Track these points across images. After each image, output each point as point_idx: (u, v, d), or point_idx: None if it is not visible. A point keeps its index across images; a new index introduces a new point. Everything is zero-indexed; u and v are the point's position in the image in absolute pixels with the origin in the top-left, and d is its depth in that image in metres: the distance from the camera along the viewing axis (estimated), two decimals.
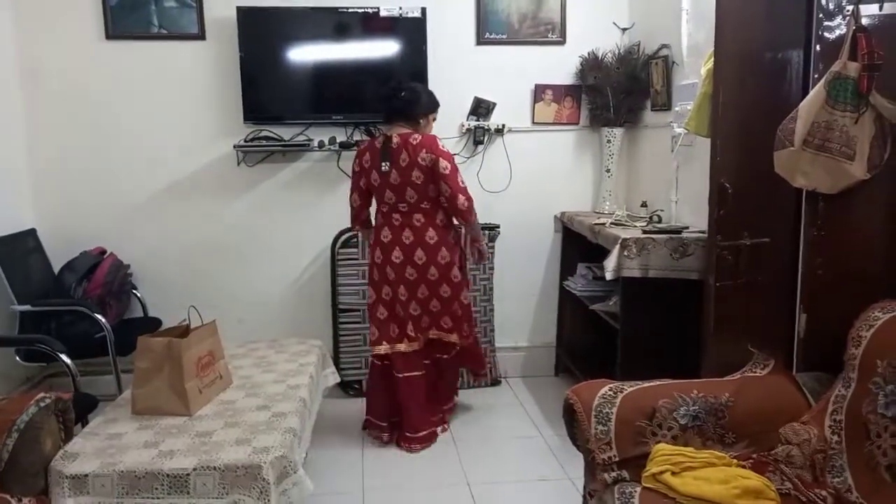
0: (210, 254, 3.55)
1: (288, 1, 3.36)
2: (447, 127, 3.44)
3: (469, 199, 2.83)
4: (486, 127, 3.59)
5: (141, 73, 3.39)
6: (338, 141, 3.44)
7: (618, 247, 2.69)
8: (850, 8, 1.83)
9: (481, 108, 3.60)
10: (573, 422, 1.89)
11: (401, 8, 3.37)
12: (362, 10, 3.37)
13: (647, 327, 2.75)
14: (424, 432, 2.94)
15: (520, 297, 3.75)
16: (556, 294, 3.76)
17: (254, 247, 3.58)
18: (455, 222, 2.94)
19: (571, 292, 3.51)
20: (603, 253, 2.83)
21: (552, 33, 3.58)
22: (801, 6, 2.06)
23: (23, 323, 3.00)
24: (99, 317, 2.91)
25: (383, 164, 2.81)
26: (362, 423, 3.12)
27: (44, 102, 3.36)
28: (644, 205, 3.30)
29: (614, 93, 3.45)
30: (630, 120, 3.55)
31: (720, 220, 2.14)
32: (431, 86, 3.22)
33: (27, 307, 2.95)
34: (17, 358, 2.93)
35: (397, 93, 2.84)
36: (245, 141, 3.42)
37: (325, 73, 3.43)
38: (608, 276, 2.73)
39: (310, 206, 3.57)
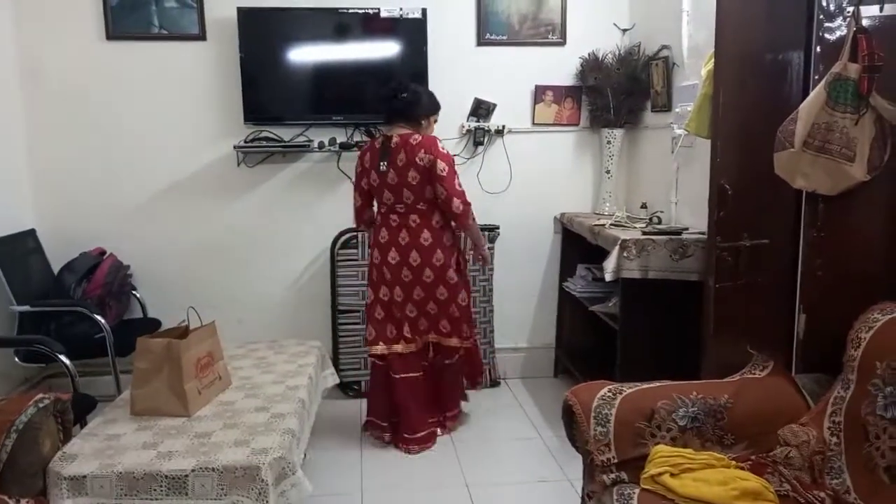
0: (210, 254, 3.55)
1: (288, 2, 3.36)
2: (447, 128, 3.44)
3: (465, 203, 2.81)
4: (486, 128, 3.59)
5: (141, 73, 3.39)
6: (338, 142, 3.44)
7: (617, 248, 2.69)
8: (851, 9, 1.83)
9: (481, 109, 3.59)
10: (572, 423, 1.89)
11: (401, 9, 3.37)
12: (363, 11, 3.37)
13: (647, 328, 2.75)
14: (421, 433, 2.93)
15: (519, 298, 3.75)
16: (556, 295, 3.76)
17: (253, 247, 3.58)
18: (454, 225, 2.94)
19: (571, 293, 3.51)
20: (602, 254, 2.83)
21: (552, 34, 3.58)
22: (802, 7, 2.06)
23: (22, 323, 3.00)
24: (98, 318, 2.91)
25: (381, 163, 2.82)
26: (363, 423, 3.11)
27: (44, 103, 3.36)
28: (644, 206, 3.30)
29: (614, 94, 3.45)
30: (630, 121, 3.55)
31: (720, 221, 2.14)
32: (432, 87, 3.22)
33: (26, 308, 2.95)
34: (16, 359, 2.93)
35: (398, 94, 2.83)
36: (245, 141, 3.42)
37: (326, 74, 3.43)
38: (608, 277, 2.72)
39: (310, 207, 3.57)
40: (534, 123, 3.65)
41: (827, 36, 1.94)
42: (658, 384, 1.94)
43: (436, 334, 2.93)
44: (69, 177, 3.42)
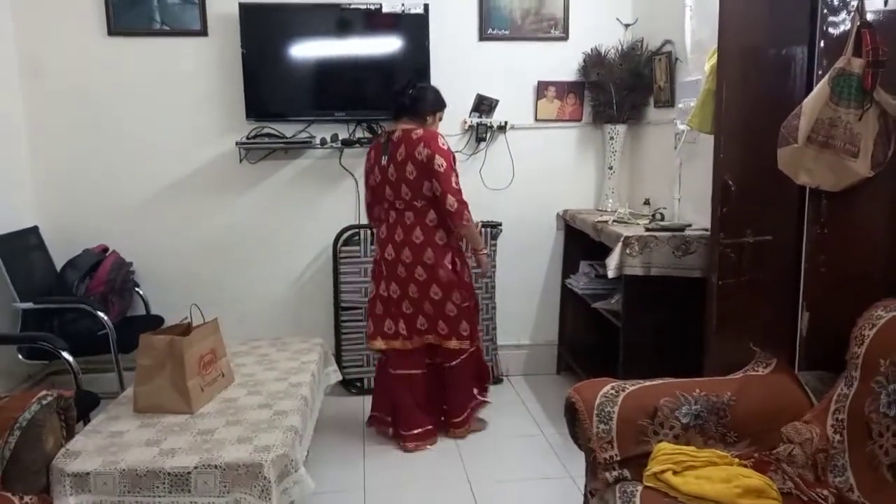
0: (212, 251, 3.55)
1: None
2: (449, 124, 3.43)
3: (461, 202, 2.75)
4: (488, 124, 3.58)
5: (143, 69, 3.39)
6: (340, 138, 3.43)
7: (620, 245, 2.68)
8: (855, 3, 1.82)
9: (484, 105, 3.58)
10: (575, 420, 1.89)
11: (403, 4, 3.36)
12: (365, 7, 3.36)
13: (650, 326, 2.74)
14: (416, 431, 2.92)
15: (522, 295, 3.75)
16: (559, 292, 3.76)
17: (256, 244, 3.58)
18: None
19: (573, 290, 3.51)
20: (605, 251, 2.82)
21: (555, 29, 3.57)
22: (805, 2, 2.04)
23: (25, 321, 3.00)
24: (101, 314, 2.91)
25: (383, 158, 2.82)
26: (368, 417, 3.12)
27: (45, 100, 3.36)
28: (647, 202, 3.29)
29: (617, 89, 3.44)
30: (633, 117, 3.54)
31: (723, 217, 2.14)
32: (434, 82, 3.20)
33: (29, 305, 2.96)
34: (20, 356, 2.93)
35: (405, 90, 2.83)
36: (247, 138, 3.42)
37: (328, 70, 3.43)
38: (610, 274, 2.72)
39: (312, 204, 3.57)
40: (536, 119, 3.64)
41: (830, 30, 1.92)
42: (661, 381, 1.93)
43: (435, 336, 2.89)
44: (71, 174, 3.42)
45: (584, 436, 1.85)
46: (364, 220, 3.52)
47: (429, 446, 2.93)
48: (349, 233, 3.49)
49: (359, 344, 3.52)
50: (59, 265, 3.25)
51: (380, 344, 2.94)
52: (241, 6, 3.28)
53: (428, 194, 2.77)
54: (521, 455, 2.89)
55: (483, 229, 3.52)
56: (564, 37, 3.57)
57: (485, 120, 3.59)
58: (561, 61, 3.58)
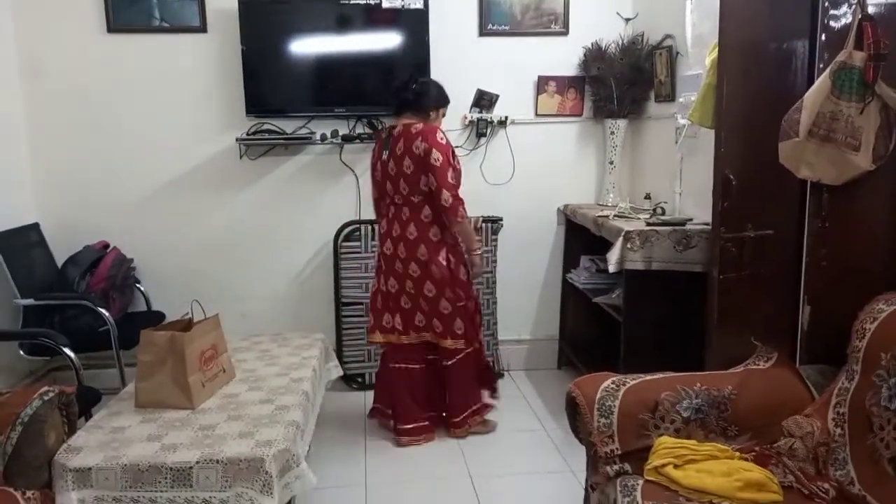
0: (213, 248, 3.55)
1: None
2: (450, 119, 3.41)
3: (456, 197, 2.72)
4: (488, 119, 3.58)
5: (142, 66, 3.39)
6: (340, 134, 3.43)
7: (621, 239, 2.68)
8: None
9: (484, 101, 3.58)
10: (576, 415, 1.89)
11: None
12: (364, 2, 3.35)
13: (651, 320, 2.74)
14: (410, 426, 2.92)
15: (523, 290, 3.75)
16: (559, 287, 3.76)
17: (256, 240, 3.58)
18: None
19: (574, 285, 3.51)
20: (606, 245, 2.82)
21: (555, 24, 3.56)
22: None
23: (26, 317, 3.00)
24: (102, 310, 2.91)
25: (384, 152, 2.81)
26: (370, 409, 3.12)
27: (45, 97, 3.36)
28: (647, 197, 3.29)
29: (618, 84, 3.43)
30: (633, 111, 3.53)
31: (724, 211, 2.13)
32: (434, 78, 3.20)
33: (30, 301, 2.96)
34: (21, 352, 2.94)
35: (408, 84, 2.82)
36: (247, 134, 3.42)
37: (328, 66, 3.42)
38: (611, 268, 2.72)
39: (312, 200, 3.57)
40: (537, 114, 3.63)
41: (832, 24, 1.92)
42: (661, 376, 1.93)
43: (431, 333, 2.87)
44: (71, 170, 3.42)
45: (584, 430, 1.85)
46: (364, 216, 3.54)
47: (424, 442, 2.92)
48: (350, 228, 3.49)
49: (360, 339, 3.52)
50: (59, 262, 3.25)
51: (378, 337, 2.94)
52: (241, 2, 3.27)
53: (425, 189, 2.75)
54: (523, 449, 2.89)
55: (483, 225, 3.53)
56: (565, 31, 3.56)
57: (485, 115, 3.58)
58: (561, 56, 3.57)
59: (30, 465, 1.78)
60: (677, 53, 3.13)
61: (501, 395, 3.26)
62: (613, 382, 1.89)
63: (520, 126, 3.63)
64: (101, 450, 1.88)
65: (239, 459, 1.84)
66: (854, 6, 1.82)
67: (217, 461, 1.84)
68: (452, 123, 3.51)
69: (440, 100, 2.88)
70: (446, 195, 2.71)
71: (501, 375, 3.68)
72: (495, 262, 3.59)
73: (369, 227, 3.47)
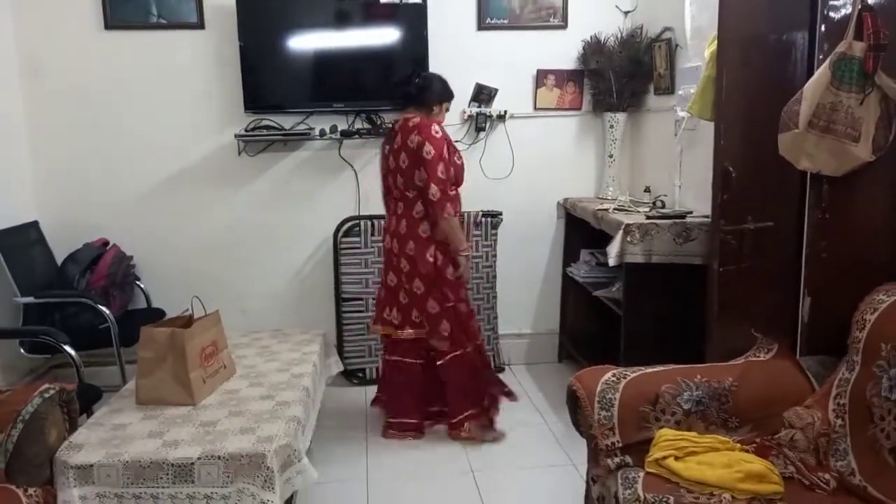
0: (212, 244, 3.55)
1: None
2: (449, 114, 3.40)
3: (444, 193, 2.66)
4: (487, 113, 3.57)
5: (140, 63, 3.38)
6: (339, 129, 3.42)
7: (621, 232, 2.68)
8: None
9: (483, 95, 3.57)
10: (576, 408, 1.90)
11: None
12: None
13: (651, 313, 2.74)
14: (397, 420, 2.91)
15: (523, 284, 3.75)
16: (560, 281, 3.76)
17: (256, 236, 3.57)
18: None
19: (574, 279, 3.51)
20: (606, 239, 2.82)
21: (554, 18, 3.55)
22: None
23: (26, 315, 3.00)
24: (102, 308, 2.91)
25: (385, 147, 2.81)
26: (373, 399, 3.13)
27: (44, 95, 3.35)
28: (647, 190, 3.28)
29: (617, 77, 3.42)
30: (633, 104, 3.52)
31: (724, 204, 2.13)
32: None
33: (31, 299, 2.96)
34: (22, 350, 2.94)
35: (411, 79, 2.81)
36: (246, 130, 3.41)
37: (326, 61, 3.41)
38: (611, 262, 2.71)
39: (312, 195, 3.56)
40: (536, 108, 3.63)
41: (832, 14, 1.91)
42: (662, 368, 1.93)
43: (424, 330, 2.83)
44: (71, 168, 3.41)
45: (585, 423, 1.85)
46: (364, 212, 3.54)
47: (408, 439, 2.90)
48: (349, 224, 3.49)
49: (360, 335, 3.53)
50: (59, 259, 3.25)
51: (378, 328, 2.96)
52: None
53: (419, 184, 2.71)
54: (524, 443, 2.90)
55: (483, 219, 3.52)
56: (563, 25, 3.55)
57: (484, 109, 3.57)
58: (560, 49, 3.56)
59: (31, 462, 1.78)
60: (676, 46, 3.12)
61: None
62: (614, 375, 1.89)
63: (519, 120, 3.62)
64: (102, 447, 1.89)
65: (240, 455, 1.84)
66: None
67: (218, 457, 1.84)
68: (451, 118, 3.47)
69: (443, 94, 2.85)
70: (434, 189, 2.66)
71: (502, 370, 3.68)
72: (495, 256, 3.59)
73: (369, 223, 3.47)
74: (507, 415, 3.12)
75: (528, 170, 3.64)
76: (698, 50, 2.82)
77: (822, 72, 1.85)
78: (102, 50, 3.35)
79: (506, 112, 3.58)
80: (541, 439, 2.92)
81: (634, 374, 1.90)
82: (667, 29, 3.19)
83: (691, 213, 2.81)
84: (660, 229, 2.67)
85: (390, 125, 2.90)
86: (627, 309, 2.78)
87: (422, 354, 2.89)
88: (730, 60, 2.11)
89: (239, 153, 3.48)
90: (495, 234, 3.57)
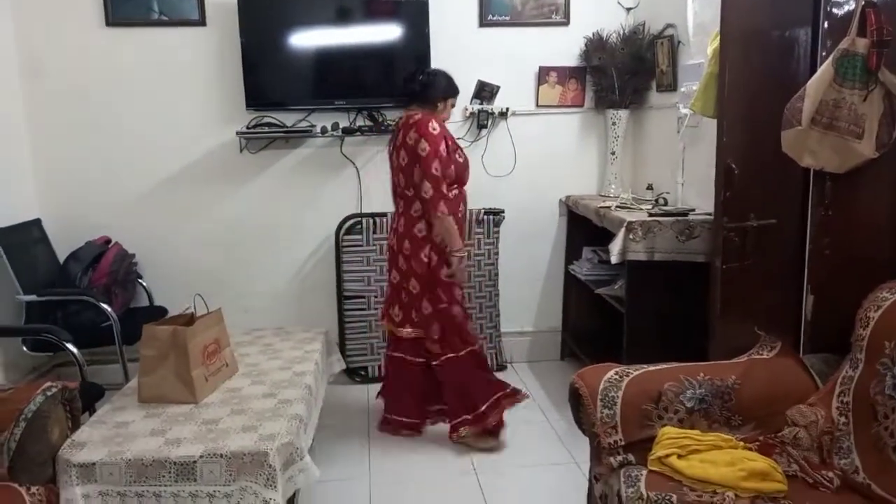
0: (214, 242, 3.55)
1: None
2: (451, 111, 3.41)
3: (438, 191, 2.61)
4: (489, 110, 3.56)
5: (142, 60, 3.37)
6: (340, 126, 3.42)
7: (623, 230, 2.68)
8: None
9: (485, 92, 3.56)
10: (579, 406, 1.89)
11: None
12: None
13: (653, 311, 2.74)
14: (392, 416, 2.91)
15: (525, 282, 3.74)
16: (562, 278, 3.75)
17: (258, 234, 3.57)
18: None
19: (577, 276, 3.50)
20: (608, 236, 2.81)
21: (556, 14, 3.54)
22: None
23: (29, 313, 3.01)
24: (105, 306, 2.92)
25: (391, 144, 2.81)
26: (378, 392, 3.11)
27: (45, 92, 3.34)
28: (650, 187, 3.28)
29: (619, 74, 3.41)
30: (635, 101, 3.51)
31: (727, 201, 2.13)
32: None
33: (33, 297, 2.96)
34: (24, 348, 2.94)
35: (415, 76, 2.78)
36: (247, 128, 3.41)
37: (328, 59, 3.41)
38: (614, 259, 2.71)
39: (314, 193, 3.56)
40: (538, 105, 3.62)
41: (835, 11, 1.90)
42: (665, 366, 1.93)
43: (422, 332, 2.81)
44: (72, 166, 3.41)
45: (588, 421, 1.85)
46: (366, 209, 3.54)
47: (404, 435, 2.90)
48: (351, 221, 3.48)
49: (362, 333, 3.53)
50: (61, 257, 3.25)
51: (383, 324, 2.97)
52: None
53: (417, 181, 2.68)
54: (526, 441, 2.89)
55: (485, 217, 3.52)
56: (565, 22, 3.54)
57: (486, 106, 3.57)
58: (562, 46, 3.55)
59: (34, 460, 1.79)
60: (679, 42, 3.11)
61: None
62: (616, 373, 1.89)
63: (521, 117, 3.61)
64: (104, 445, 1.89)
65: (243, 453, 1.84)
66: None
67: (221, 455, 1.84)
68: (453, 115, 3.46)
69: (448, 90, 2.80)
70: (427, 186, 2.63)
71: (504, 367, 3.68)
72: (497, 254, 3.58)
73: (371, 220, 3.47)
74: (509, 413, 3.12)
75: (530, 167, 3.63)
76: (701, 47, 2.81)
77: (825, 68, 1.85)
78: (103, 47, 3.34)
79: (508, 109, 3.58)
80: (543, 437, 2.92)
81: (637, 372, 1.89)
82: (669, 25, 3.18)
83: (694, 210, 2.80)
84: (662, 227, 2.67)
85: (396, 122, 2.88)
86: (630, 307, 2.77)
87: (422, 353, 2.87)
88: (732, 57, 2.10)
89: (240, 150, 3.48)
90: (497, 232, 3.57)
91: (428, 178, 2.62)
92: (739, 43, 2.10)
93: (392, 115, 3.43)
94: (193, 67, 3.40)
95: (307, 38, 3.38)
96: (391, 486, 2.58)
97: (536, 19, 3.53)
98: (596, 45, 3.48)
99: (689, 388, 1.85)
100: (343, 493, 2.53)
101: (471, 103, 3.56)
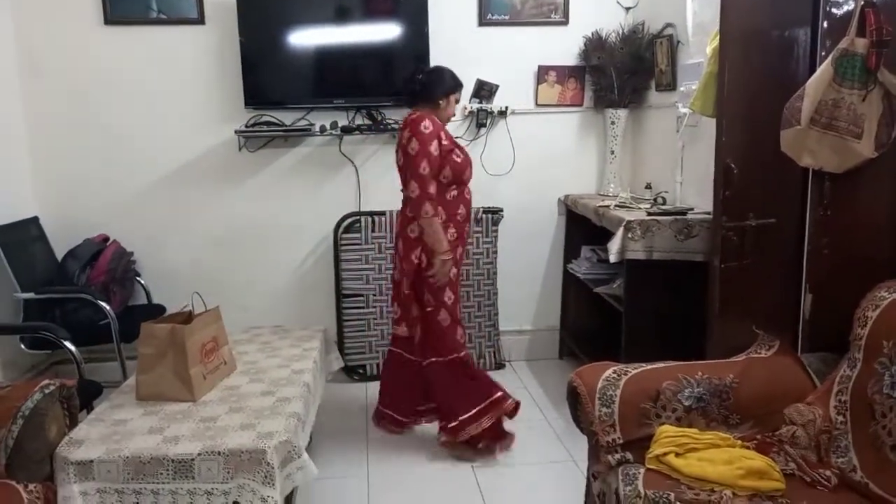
0: (213, 240, 3.54)
1: None
2: None
3: (423, 191, 2.54)
4: (489, 109, 3.56)
5: (140, 58, 3.37)
6: (339, 125, 3.41)
7: (622, 229, 2.68)
8: None
9: (484, 91, 3.56)
10: (577, 404, 1.89)
11: None
12: None
13: (652, 310, 2.74)
14: (383, 409, 2.90)
15: (524, 281, 3.75)
16: (560, 277, 3.75)
17: (256, 232, 3.57)
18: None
19: (575, 275, 3.50)
20: (607, 235, 2.82)
21: (555, 13, 3.54)
22: None
23: (27, 311, 3.00)
24: (103, 304, 2.91)
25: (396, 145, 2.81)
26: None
27: (44, 91, 3.34)
28: (648, 186, 3.28)
29: (618, 73, 3.41)
30: (634, 101, 3.51)
31: (725, 200, 2.12)
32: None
33: (31, 295, 2.95)
34: (22, 346, 2.94)
35: (414, 76, 2.75)
36: (246, 126, 3.41)
37: (327, 57, 3.40)
38: (612, 258, 2.71)
39: (312, 191, 3.56)
40: (537, 104, 3.62)
41: (834, 11, 1.91)
42: (663, 365, 1.93)
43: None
44: (70, 164, 3.41)
45: (586, 419, 1.85)
46: (364, 208, 3.53)
47: (393, 429, 2.90)
48: (350, 220, 3.48)
49: (361, 331, 3.53)
50: (59, 255, 3.25)
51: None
52: None
53: (408, 182, 2.65)
54: (524, 439, 2.89)
55: (483, 216, 3.52)
56: (565, 21, 3.54)
57: (485, 105, 3.57)
58: (561, 46, 3.56)
59: (31, 458, 1.79)
60: (678, 42, 3.11)
61: (504, 386, 2.96)
62: (615, 372, 1.89)
63: (520, 116, 3.62)
64: (102, 442, 1.88)
65: (241, 451, 1.84)
66: None
67: (219, 453, 1.84)
68: None
69: (449, 86, 2.74)
70: (413, 186, 2.56)
71: (503, 366, 3.68)
72: (496, 252, 3.59)
73: (369, 219, 3.47)
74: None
75: (529, 166, 3.63)
76: (700, 46, 2.81)
77: (824, 68, 1.85)
78: (102, 45, 3.34)
79: (507, 108, 3.58)
80: (541, 436, 2.92)
81: (635, 371, 1.90)
82: (668, 25, 3.18)
83: (692, 209, 2.80)
84: (661, 226, 2.67)
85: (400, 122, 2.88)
86: (628, 305, 2.77)
87: (416, 352, 2.86)
88: (732, 57, 2.10)
89: (239, 149, 3.48)
90: (496, 231, 3.57)
91: (415, 178, 2.56)
92: (739, 42, 2.10)
93: (391, 114, 3.43)
94: (192, 66, 3.40)
95: (306, 37, 3.38)
96: (389, 483, 2.58)
97: (536, 18, 3.53)
98: (595, 45, 3.48)
99: (687, 386, 1.86)
100: (341, 490, 2.53)
101: (470, 102, 3.56)
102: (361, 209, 3.53)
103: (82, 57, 3.34)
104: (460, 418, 2.67)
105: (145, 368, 2.20)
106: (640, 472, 1.69)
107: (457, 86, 2.76)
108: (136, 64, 3.37)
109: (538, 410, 3.16)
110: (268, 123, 3.43)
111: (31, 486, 1.71)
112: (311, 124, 3.43)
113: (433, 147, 2.56)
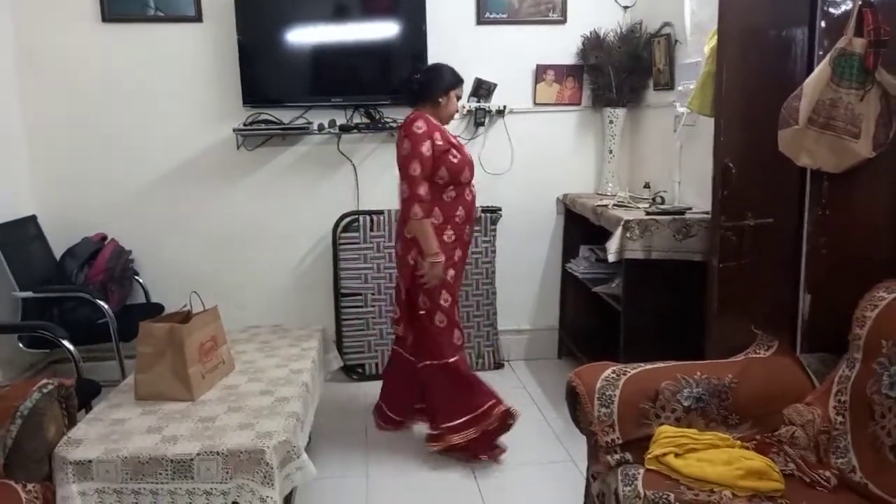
0: (211, 239, 3.54)
1: None
2: None
3: (412, 192, 2.49)
4: (486, 108, 3.56)
5: (138, 56, 3.36)
6: (337, 124, 3.41)
7: (620, 228, 2.68)
8: None
9: (482, 90, 3.56)
10: (576, 404, 1.90)
11: None
12: None
13: (650, 309, 2.74)
14: (382, 406, 2.93)
15: (522, 280, 3.74)
16: (559, 277, 3.76)
17: (255, 231, 3.57)
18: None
19: (574, 275, 3.50)
20: (605, 235, 2.82)
21: (553, 12, 3.54)
22: None
23: (25, 310, 3.00)
24: (101, 303, 2.91)
25: None
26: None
27: (41, 88, 3.33)
28: (647, 186, 3.28)
29: (616, 72, 3.41)
30: (632, 100, 3.51)
31: (724, 200, 2.13)
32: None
33: (29, 294, 2.95)
34: (20, 345, 2.93)
35: (412, 76, 2.73)
36: (244, 124, 3.40)
37: (325, 55, 3.40)
38: (611, 258, 2.71)
39: (311, 190, 3.56)
40: (535, 103, 3.62)
41: (832, 10, 1.91)
42: (662, 365, 1.93)
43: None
44: (68, 162, 3.40)
45: (585, 419, 1.85)
46: (363, 206, 3.53)
47: (382, 424, 2.93)
48: (349, 219, 3.48)
49: (359, 330, 3.52)
50: (57, 254, 3.24)
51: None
52: None
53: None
54: (523, 439, 2.89)
55: (482, 215, 3.52)
56: (563, 20, 3.54)
57: (483, 104, 3.57)
58: (559, 44, 3.55)
59: (30, 458, 1.78)
60: (676, 41, 3.11)
61: (502, 386, 3.01)
62: (614, 372, 1.89)
63: (518, 115, 3.61)
64: (101, 442, 1.88)
65: (239, 451, 1.84)
66: None
67: (218, 453, 1.84)
68: None
69: (450, 83, 2.69)
70: (403, 187, 2.53)
71: (502, 365, 3.68)
72: (494, 252, 3.59)
73: (368, 218, 3.46)
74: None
75: (527, 165, 3.63)
76: (698, 45, 2.81)
77: (822, 68, 1.85)
78: (100, 43, 3.33)
79: (505, 107, 3.57)
80: (540, 436, 2.93)
81: (634, 371, 1.90)
82: (666, 24, 3.18)
83: (691, 209, 2.81)
84: (659, 225, 2.67)
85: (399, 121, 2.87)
86: (627, 305, 2.78)
87: (413, 352, 2.87)
88: (730, 56, 2.10)
89: (237, 147, 3.47)
90: (494, 230, 3.57)
91: (405, 178, 2.52)
92: (737, 42, 2.10)
93: (389, 113, 3.42)
94: (190, 64, 3.39)
95: (304, 35, 3.37)
96: (388, 483, 2.58)
97: (534, 17, 3.53)
98: (593, 44, 3.48)
99: (686, 386, 1.86)
100: (340, 490, 2.53)
101: (468, 101, 3.56)
102: (360, 208, 3.53)
103: (80, 55, 3.33)
104: (442, 426, 2.66)
105: (144, 368, 2.20)
106: (639, 473, 1.70)
107: (457, 81, 2.71)
108: (134, 62, 3.36)
109: (537, 410, 3.16)
110: (266, 122, 3.43)
111: (29, 486, 1.71)
112: (310, 122, 3.42)
113: (425, 147, 2.51)
